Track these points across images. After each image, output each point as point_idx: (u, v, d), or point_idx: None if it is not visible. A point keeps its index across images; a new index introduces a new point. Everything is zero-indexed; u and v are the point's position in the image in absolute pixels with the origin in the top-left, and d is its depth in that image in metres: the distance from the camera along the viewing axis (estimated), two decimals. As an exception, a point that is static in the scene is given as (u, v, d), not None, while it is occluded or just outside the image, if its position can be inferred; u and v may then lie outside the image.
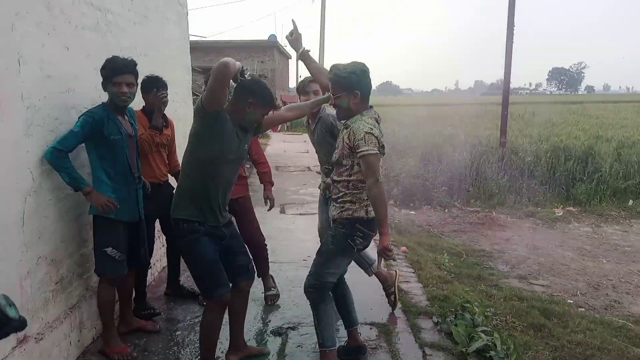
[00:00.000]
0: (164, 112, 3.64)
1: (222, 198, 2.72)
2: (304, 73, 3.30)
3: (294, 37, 3.19)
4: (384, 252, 2.66)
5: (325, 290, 2.83)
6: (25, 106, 2.57)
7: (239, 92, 2.62)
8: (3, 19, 2.39)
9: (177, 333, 3.46)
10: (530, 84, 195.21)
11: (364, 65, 2.73)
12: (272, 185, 4.21)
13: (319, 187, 3.70)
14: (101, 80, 3.00)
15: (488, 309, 4.08)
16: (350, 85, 2.65)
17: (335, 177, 2.83)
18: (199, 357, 3.07)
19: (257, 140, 4.24)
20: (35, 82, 2.66)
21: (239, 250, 2.93)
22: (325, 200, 3.54)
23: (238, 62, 2.51)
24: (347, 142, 2.66)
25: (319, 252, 2.88)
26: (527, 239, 7.40)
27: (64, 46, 2.95)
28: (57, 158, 2.74)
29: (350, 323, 3.17)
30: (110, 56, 3.02)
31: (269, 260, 4.89)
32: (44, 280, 2.77)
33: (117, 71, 2.94)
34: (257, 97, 2.60)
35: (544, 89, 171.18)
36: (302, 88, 3.52)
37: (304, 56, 3.17)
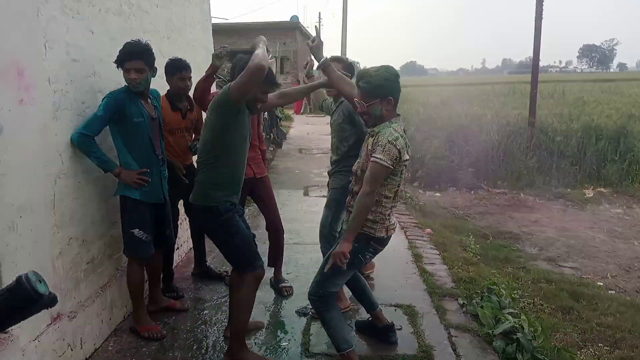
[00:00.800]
0: (188, 94, 3.67)
1: (242, 177, 2.83)
2: (326, 54, 3.22)
3: (315, 44, 3.09)
4: (338, 256, 2.53)
5: (329, 298, 2.77)
6: (52, 90, 2.61)
7: (240, 71, 2.63)
8: (28, 3, 2.41)
9: (204, 312, 3.53)
10: (560, 62, 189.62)
11: (394, 69, 2.64)
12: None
13: (328, 174, 3.61)
14: None
15: (515, 291, 4.03)
16: (384, 93, 2.55)
17: (354, 188, 2.69)
18: (223, 335, 3.14)
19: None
20: (62, 65, 2.69)
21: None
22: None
23: (265, 52, 2.54)
24: (370, 149, 2.56)
25: (325, 263, 2.70)
26: (556, 220, 7.26)
27: (88, 30, 2.97)
28: (84, 143, 2.79)
29: (371, 307, 3.17)
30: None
31: (294, 241, 4.95)
32: (76, 261, 2.85)
33: (125, 57, 2.92)
34: None
35: (574, 67, 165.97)
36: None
37: (325, 65, 3.06)
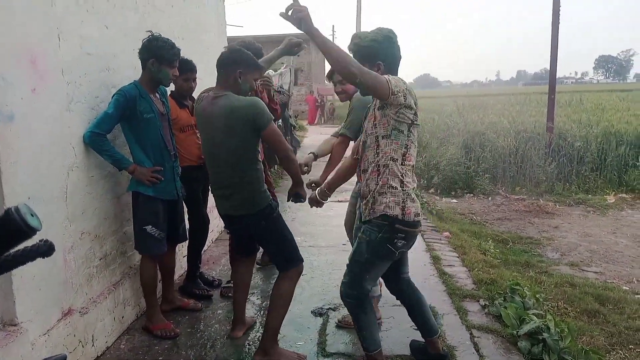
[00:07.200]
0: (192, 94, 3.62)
1: None
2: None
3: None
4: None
5: (365, 298, 2.52)
6: (66, 81, 2.59)
7: (227, 65, 2.66)
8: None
9: (218, 312, 3.45)
10: (576, 73, 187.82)
11: (389, 31, 2.39)
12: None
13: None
14: (138, 60, 2.97)
15: (538, 294, 3.88)
16: (372, 56, 2.32)
17: (362, 167, 2.44)
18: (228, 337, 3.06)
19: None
20: (75, 58, 2.67)
21: None
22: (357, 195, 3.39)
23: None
24: (375, 105, 2.34)
25: (353, 262, 2.50)
26: (577, 226, 7.05)
27: (103, 24, 2.96)
28: (95, 142, 2.76)
29: (429, 332, 2.76)
30: (167, 41, 2.97)
31: (309, 244, 4.87)
32: (88, 256, 2.80)
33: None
34: (242, 66, 2.64)
35: (590, 78, 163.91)
36: (330, 75, 3.34)
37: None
